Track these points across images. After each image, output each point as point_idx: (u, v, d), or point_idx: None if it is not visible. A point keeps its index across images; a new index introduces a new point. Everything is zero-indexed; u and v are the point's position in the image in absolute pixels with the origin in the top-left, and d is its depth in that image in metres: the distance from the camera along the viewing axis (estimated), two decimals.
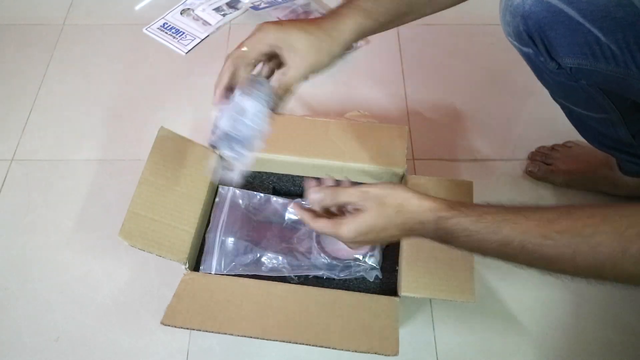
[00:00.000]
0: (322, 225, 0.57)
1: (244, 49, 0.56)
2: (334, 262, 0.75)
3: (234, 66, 0.57)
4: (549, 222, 0.46)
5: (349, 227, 0.55)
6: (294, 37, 0.55)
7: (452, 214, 0.50)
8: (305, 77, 0.56)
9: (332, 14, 0.57)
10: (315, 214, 0.59)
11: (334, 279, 0.77)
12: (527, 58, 0.69)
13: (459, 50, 1.16)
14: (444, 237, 0.52)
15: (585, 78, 0.65)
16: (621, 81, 0.60)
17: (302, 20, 0.57)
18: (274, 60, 0.58)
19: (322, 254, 0.75)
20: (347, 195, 0.56)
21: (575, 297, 0.82)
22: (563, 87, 0.70)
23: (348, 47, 0.57)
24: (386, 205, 0.54)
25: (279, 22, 0.56)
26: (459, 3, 0.62)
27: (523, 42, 0.66)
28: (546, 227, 0.45)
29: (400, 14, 0.59)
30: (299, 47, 0.54)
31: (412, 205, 0.53)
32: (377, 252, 0.77)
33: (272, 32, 0.55)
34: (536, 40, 0.63)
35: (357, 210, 0.55)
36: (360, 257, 0.75)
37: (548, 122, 1.02)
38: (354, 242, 0.57)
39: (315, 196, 0.58)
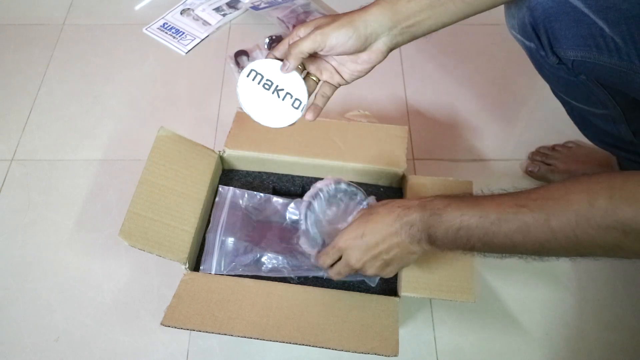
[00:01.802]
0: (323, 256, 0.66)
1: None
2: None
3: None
4: (524, 193, 0.49)
5: (340, 235, 0.61)
6: (331, 36, 0.55)
7: (427, 230, 0.54)
8: (349, 76, 0.60)
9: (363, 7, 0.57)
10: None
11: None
12: (529, 52, 0.69)
13: (459, 50, 1.16)
14: (425, 241, 0.56)
15: (585, 72, 0.65)
16: (623, 75, 0.60)
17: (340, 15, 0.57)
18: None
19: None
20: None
21: (576, 298, 0.82)
22: (563, 82, 0.70)
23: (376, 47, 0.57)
24: (371, 208, 0.62)
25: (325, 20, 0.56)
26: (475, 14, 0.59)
27: (526, 35, 0.66)
28: (520, 197, 0.48)
29: (424, 17, 0.57)
30: (335, 46, 0.55)
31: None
32: None
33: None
34: (540, 32, 0.63)
35: None
36: None
37: (548, 122, 1.02)
38: (353, 250, 0.61)
39: None
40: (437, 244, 0.55)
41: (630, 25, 0.56)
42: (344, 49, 0.55)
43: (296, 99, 0.59)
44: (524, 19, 0.64)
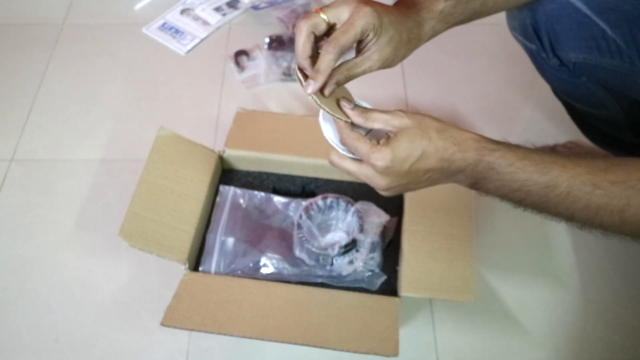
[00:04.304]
0: (355, 147, 0.48)
1: (324, 16, 0.48)
2: (334, 271, 0.75)
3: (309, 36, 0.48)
4: (601, 170, 0.43)
5: (384, 152, 0.46)
6: (385, 26, 0.48)
7: (497, 147, 0.46)
8: (376, 69, 0.51)
9: (415, 8, 0.52)
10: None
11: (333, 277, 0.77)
12: (530, 54, 0.69)
13: (459, 50, 1.15)
14: (483, 172, 0.46)
15: (587, 74, 0.65)
16: (624, 77, 0.60)
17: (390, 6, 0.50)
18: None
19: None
20: (383, 119, 0.49)
21: (576, 297, 0.82)
22: (564, 83, 0.70)
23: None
24: (426, 126, 0.48)
25: (372, 4, 0.48)
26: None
27: (528, 36, 0.65)
28: (598, 175, 0.43)
29: (472, 15, 0.55)
30: (384, 39, 0.49)
31: (454, 130, 0.48)
32: (377, 254, 0.77)
33: (368, 16, 0.47)
34: (542, 34, 0.63)
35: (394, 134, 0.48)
36: (361, 265, 0.76)
37: (548, 122, 1.02)
38: (389, 175, 0.48)
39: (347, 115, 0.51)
40: (480, 191, 0.49)
41: (632, 26, 0.56)
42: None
43: None
44: (525, 21, 0.64)
